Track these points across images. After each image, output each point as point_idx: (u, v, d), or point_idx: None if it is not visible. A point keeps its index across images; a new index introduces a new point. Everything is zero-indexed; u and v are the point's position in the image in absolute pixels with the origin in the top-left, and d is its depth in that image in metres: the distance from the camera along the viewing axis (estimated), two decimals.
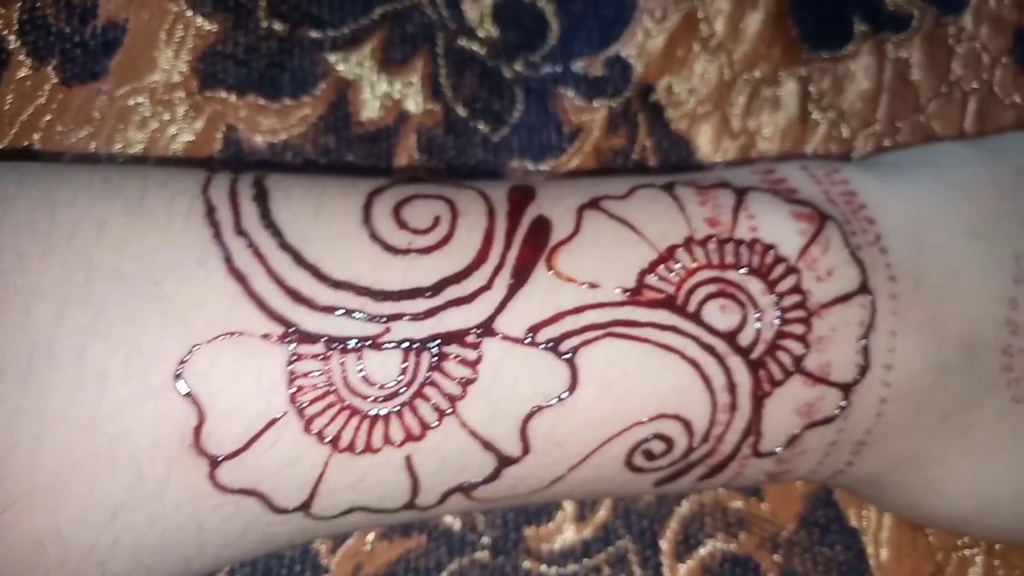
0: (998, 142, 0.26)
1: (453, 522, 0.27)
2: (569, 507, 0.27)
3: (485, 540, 0.27)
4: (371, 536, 0.26)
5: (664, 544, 0.27)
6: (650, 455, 0.20)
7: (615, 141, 0.30)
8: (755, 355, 0.20)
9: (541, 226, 0.20)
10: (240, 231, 0.18)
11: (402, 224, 0.19)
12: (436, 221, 0.19)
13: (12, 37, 0.26)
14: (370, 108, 0.29)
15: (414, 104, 0.29)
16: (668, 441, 0.20)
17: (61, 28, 0.26)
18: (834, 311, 0.20)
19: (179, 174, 0.20)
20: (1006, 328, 0.22)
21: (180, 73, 0.27)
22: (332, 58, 0.29)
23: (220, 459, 0.18)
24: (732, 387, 0.20)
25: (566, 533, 0.27)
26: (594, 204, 0.20)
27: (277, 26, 0.28)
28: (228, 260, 0.18)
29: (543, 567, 0.27)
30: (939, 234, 0.22)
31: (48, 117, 0.26)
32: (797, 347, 0.20)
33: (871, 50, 0.32)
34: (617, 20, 0.30)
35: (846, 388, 0.20)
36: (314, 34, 0.29)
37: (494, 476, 0.19)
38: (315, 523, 0.19)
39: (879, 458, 0.22)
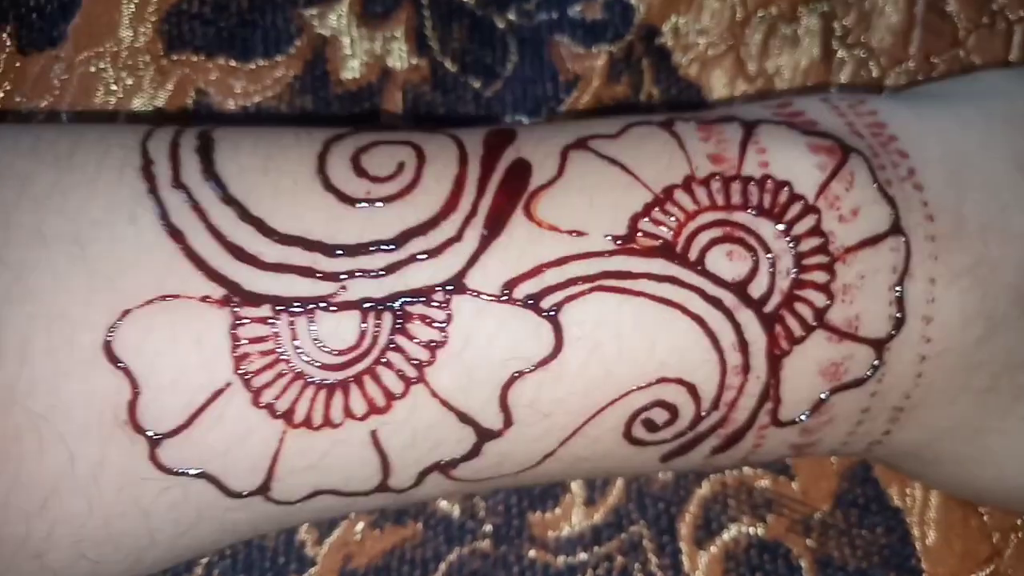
0: None
1: (451, 509, 0.24)
2: (577, 490, 0.25)
3: (487, 528, 0.25)
4: (360, 525, 0.24)
5: (683, 529, 0.24)
6: (652, 426, 0.18)
7: (617, 89, 0.27)
8: (769, 308, 0.17)
9: (519, 170, 0.17)
10: (179, 184, 0.16)
11: (361, 172, 0.17)
12: (400, 168, 0.17)
13: None
14: (350, 66, 0.27)
15: (398, 60, 0.27)
16: (672, 409, 0.17)
17: None
18: (861, 256, 0.17)
19: (117, 129, 0.18)
20: None
21: (143, 35, 0.25)
22: (307, 13, 0.27)
23: (160, 437, 0.16)
24: (744, 345, 0.17)
25: (574, 519, 0.24)
26: (581, 144, 0.18)
27: None
28: (164, 216, 0.16)
29: (550, 556, 0.24)
30: (983, 168, 0.19)
31: (6, 86, 0.25)
32: (819, 298, 0.17)
33: None
34: None
35: (879, 345, 0.18)
36: None
37: (474, 452, 0.17)
38: (279, 509, 0.17)
39: (921, 427, 0.19)
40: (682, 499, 0.25)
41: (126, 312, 0.15)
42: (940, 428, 0.19)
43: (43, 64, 0.25)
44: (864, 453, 0.20)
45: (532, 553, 0.24)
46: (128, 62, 0.25)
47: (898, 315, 0.17)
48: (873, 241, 0.17)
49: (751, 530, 0.24)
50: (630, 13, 0.27)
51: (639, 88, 0.27)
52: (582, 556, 0.24)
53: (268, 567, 0.24)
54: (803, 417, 0.18)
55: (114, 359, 0.15)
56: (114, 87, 0.25)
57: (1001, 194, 0.19)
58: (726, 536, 0.24)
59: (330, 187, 0.17)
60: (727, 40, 0.28)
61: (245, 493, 0.17)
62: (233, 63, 0.26)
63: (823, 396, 0.18)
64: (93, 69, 0.25)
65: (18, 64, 0.25)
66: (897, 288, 0.17)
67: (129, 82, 0.25)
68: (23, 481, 0.15)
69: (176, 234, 0.16)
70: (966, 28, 0.29)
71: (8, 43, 0.25)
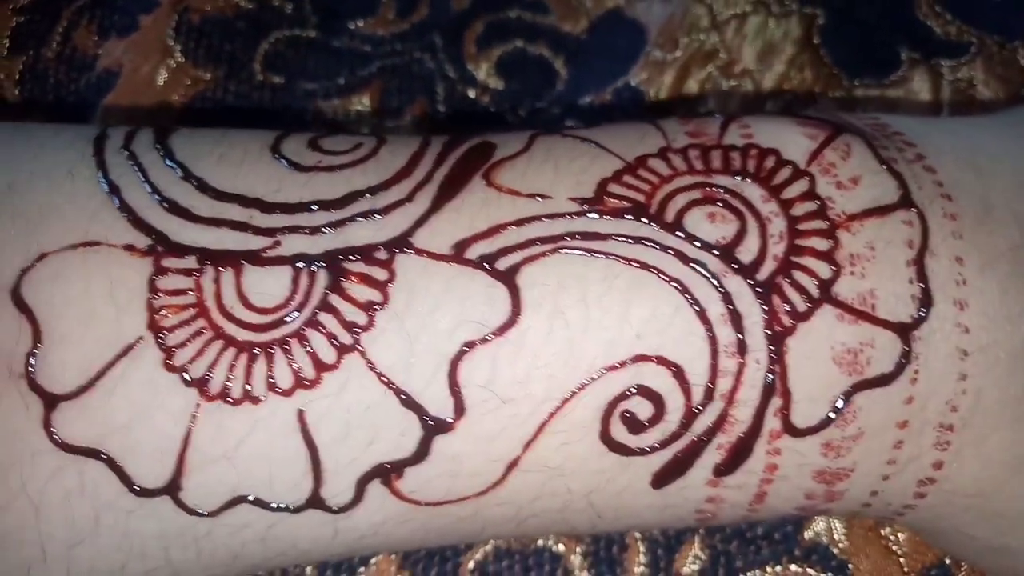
0: None
1: None
2: None
3: None
4: None
5: None
6: (635, 423, 0.15)
7: None
8: (763, 276, 0.15)
9: (481, 146, 0.16)
10: (126, 148, 0.16)
11: (316, 147, 0.16)
12: (356, 146, 0.16)
13: (13, 88, 0.27)
14: None
15: None
16: (656, 399, 0.14)
17: (59, 79, 0.27)
18: (868, 225, 0.15)
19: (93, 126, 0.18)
20: None
21: (165, 117, 0.27)
22: (325, 105, 0.28)
23: (57, 398, 0.14)
24: (736, 318, 0.14)
25: None
26: (550, 132, 0.17)
27: (273, 78, 0.28)
28: (103, 170, 0.15)
29: None
30: (1007, 161, 0.17)
31: None
32: (821, 267, 0.15)
33: (924, 73, 0.28)
34: (625, 57, 0.29)
35: (904, 330, 0.15)
36: (308, 85, 0.28)
37: (422, 451, 0.14)
38: (193, 523, 0.15)
39: (983, 458, 0.15)
40: None
41: (43, 256, 0.14)
42: (1008, 463, 0.15)
43: None
44: (918, 503, 0.16)
45: None
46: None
47: (922, 293, 0.15)
48: (881, 212, 0.15)
49: None
50: (640, 96, 0.28)
51: None
52: None
53: None
54: (824, 419, 0.15)
55: (20, 303, 0.14)
56: None
57: None
58: None
59: (280, 155, 0.16)
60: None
61: (151, 487, 0.14)
62: None
63: (845, 392, 0.15)
64: None
65: None
66: (916, 264, 0.15)
67: None
68: None
69: (112, 188, 0.15)
70: (1001, 108, 0.28)
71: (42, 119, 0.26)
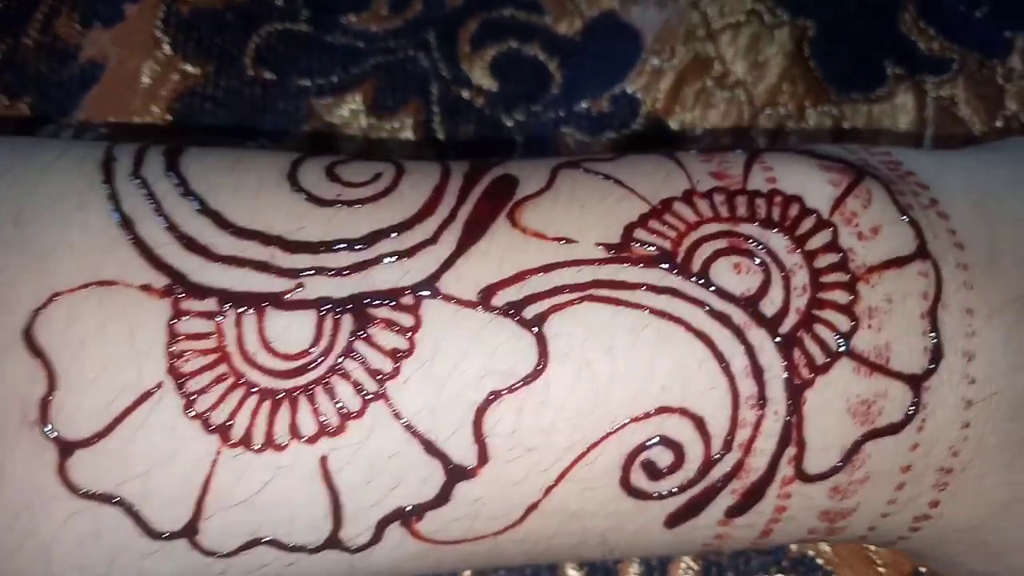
0: None
1: None
2: None
3: None
4: None
5: None
6: (654, 471, 0.15)
7: None
8: (785, 328, 0.15)
9: (505, 182, 0.16)
10: (136, 175, 0.15)
11: (334, 178, 0.16)
12: (376, 176, 0.16)
13: None
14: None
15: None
16: (677, 449, 0.15)
17: (40, 70, 0.25)
18: (886, 277, 0.15)
19: (97, 141, 0.17)
20: None
21: (154, 112, 0.26)
22: (318, 103, 0.27)
23: (72, 444, 0.13)
24: (758, 371, 0.15)
25: None
26: (572, 164, 0.17)
27: (265, 73, 0.27)
28: (115, 203, 0.15)
29: None
30: (1012, 205, 0.17)
31: None
32: (841, 320, 0.15)
33: (908, 90, 0.29)
34: (622, 63, 0.28)
35: (915, 381, 0.15)
36: (301, 82, 0.27)
37: (443, 496, 0.15)
38: (208, 562, 0.15)
39: (977, 497, 0.16)
40: None
41: (55, 295, 0.14)
42: (1000, 500, 0.16)
43: (52, 131, 0.25)
44: (912, 536, 0.17)
45: None
46: (135, 135, 0.26)
47: (935, 346, 0.15)
48: (899, 263, 0.16)
49: None
50: (636, 105, 0.27)
51: None
52: None
53: None
54: (835, 467, 0.15)
55: (33, 346, 0.13)
56: None
57: None
58: None
59: (299, 188, 0.15)
60: (735, 136, 0.27)
61: (168, 533, 0.14)
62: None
63: (856, 441, 0.15)
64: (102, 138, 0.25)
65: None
66: (930, 316, 0.15)
67: None
68: None
69: (126, 221, 0.15)
70: (980, 130, 0.28)
71: (25, 111, 0.25)
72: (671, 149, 0.18)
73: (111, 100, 0.25)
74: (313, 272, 0.14)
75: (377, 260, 0.15)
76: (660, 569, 0.22)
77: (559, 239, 0.15)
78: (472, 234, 0.15)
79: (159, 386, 0.14)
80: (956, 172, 0.18)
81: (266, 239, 0.15)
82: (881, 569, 0.21)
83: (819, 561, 0.21)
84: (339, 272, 0.14)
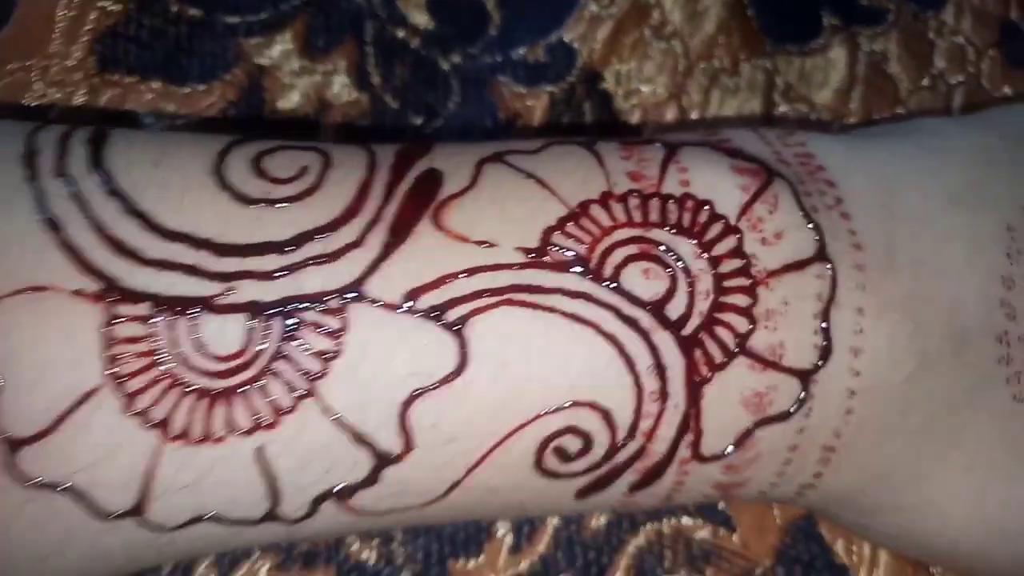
0: (986, 113, 0.23)
1: (367, 554, 0.23)
2: (502, 535, 0.23)
3: (405, 575, 0.23)
4: (266, 565, 0.22)
5: None
6: (565, 455, 0.16)
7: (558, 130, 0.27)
8: (688, 331, 0.16)
9: (430, 178, 0.17)
10: (62, 173, 0.15)
11: (260, 173, 0.16)
12: (302, 171, 0.16)
13: None
14: (288, 97, 0.26)
15: (338, 93, 0.27)
16: (585, 436, 0.16)
17: None
18: (785, 280, 0.17)
19: (10, 122, 0.17)
20: (1000, 311, 0.18)
21: (76, 54, 0.25)
22: (247, 43, 0.26)
23: (20, 441, 0.14)
24: (661, 369, 0.16)
25: (499, 566, 0.23)
26: (497, 157, 0.17)
27: (189, 10, 0.26)
28: (41, 205, 0.15)
29: None
30: (915, 201, 0.18)
31: None
32: (740, 322, 0.16)
33: (842, 43, 0.29)
34: (561, 6, 0.28)
35: (804, 376, 0.17)
36: (229, 19, 0.26)
37: (372, 478, 0.16)
38: (156, 536, 0.16)
39: (854, 470, 0.18)
40: (614, 549, 0.23)
41: None
42: (874, 472, 0.18)
43: None
44: (797, 498, 0.19)
45: None
46: (58, 78, 0.25)
47: (824, 345, 0.17)
48: (797, 266, 0.17)
49: None
50: (573, 56, 0.27)
51: (580, 130, 0.27)
52: None
53: None
54: (727, 451, 0.17)
55: None
56: (43, 101, 0.24)
57: (934, 227, 0.18)
58: None
59: (225, 186, 0.16)
60: (669, 88, 0.28)
61: (117, 513, 0.15)
62: (168, 86, 0.25)
63: (747, 429, 0.17)
64: (21, 81, 0.24)
65: None
66: (822, 317, 0.17)
67: (58, 96, 0.24)
68: None
69: (53, 224, 0.15)
70: (907, 89, 0.29)
71: None
72: (593, 137, 0.19)
73: (26, 42, 0.24)
74: (243, 276, 0.15)
75: (304, 264, 0.15)
76: (576, 517, 0.24)
77: (480, 242, 0.16)
78: (397, 237, 0.16)
79: (97, 388, 0.14)
80: (863, 166, 0.19)
81: (195, 242, 0.15)
82: (775, 511, 0.24)
83: (719, 506, 0.24)
84: (268, 276, 0.15)
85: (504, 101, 0.27)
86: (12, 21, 0.24)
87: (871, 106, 0.29)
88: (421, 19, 0.28)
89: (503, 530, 0.23)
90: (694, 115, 0.27)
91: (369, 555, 0.23)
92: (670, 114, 0.27)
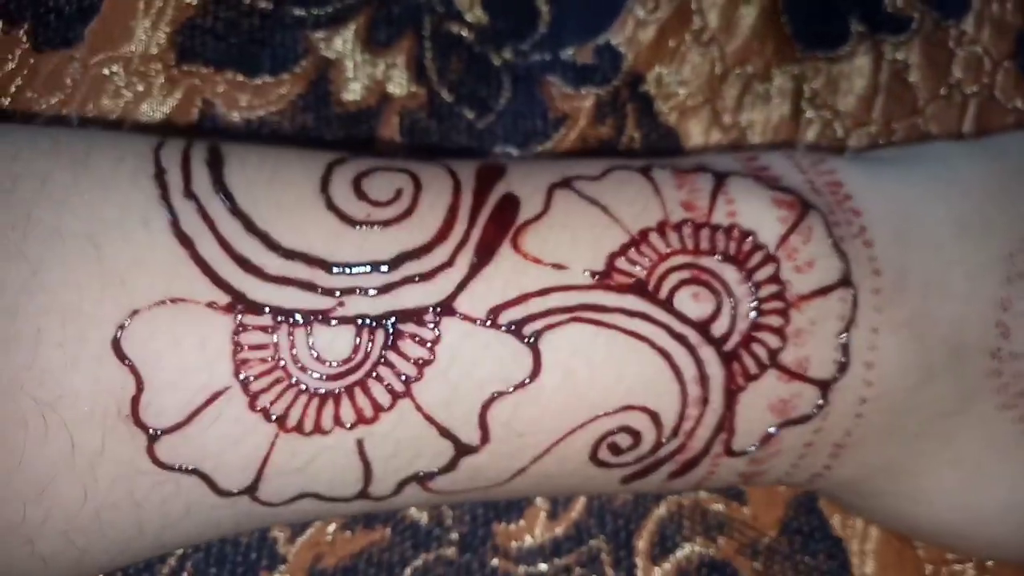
0: (993, 141, 0.25)
1: (420, 516, 0.26)
2: (541, 503, 0.26)
3: (453, 536, 0.26)
4: (332, 527, 0.25)
5: (639, 545, 0.26)
6: (616, 449, 0.19)
7: (602, 130, 0.29)
8: (729, 347, 0.19)
9: (508, 204, 0.19)
10: (189, 194, 0.17)
11: (361, 195, 0.18)
12: (398, 194, 0.18)
13: None
14: (352, 88, 0.28)
15: (397, 86, 0.28)
16: (635, 435, 0.19)
17: None
18: (813, 304, 0.19)
19: (130, 137, 0.19)
20: (995, 330, 0.21)
21: (157, 45, 0.26)
22: (314, 36, 0.28)
23: (159, 433, 0.17)
24: (704, 379, 0.19)
25: (537, 531, 0.26)
26: (566, 183, 0.19)
27: (260, 3, 0.28)
28: (174, 222, 0.17)
29: (511, 565, 0.26)
30: (926, 229, 0.21)
31: (18, 82, 0.25)
32: (773, 340, 0.19)
33: (868, 51, 0.31)
34: (608, 9, 0.30)
35: (824, 385, 0.19)
36: (297, 12, 0.28)
37: (451, 466, 0.19)
38: (263, 509, 0.19)
39: (859, 463, 0.21)
40: (640, 517, 0.26)
41: (135, 312, 0.16)
42: (875, 466, 0.21)
43: (56, 63, 0.26)
44: (807, 484, 0.22)
45: (495, 562, 0.26)
46: (140, 68, 0.26)
47: (842, 360, 0.19)
48: (824, 291, 0.19)
49: (703, 550, 0.26)
50: (619, 60, 0.29)
51: (622, 131, 0.29)
52: (542, 566, 0.26)
53: (240, 562, 0.25)
54: (753, 448, 0.20)
55: (122, 355, 0.16)
56: (125, 91, 0.26)
57: (942, 253, 0.21)
58: (679, 554, 0.26)
59: (332, 207, 0.18)
60: (705, 93, 0.29)
61: (234, 491, 0.18)
62: (241, 78, 0.27)
63: (772, 430, 0.19)
64: (106, 72, 0.26)
65: (32, 61, 0.26)
66: (843, 335, 0.19)
67: (139, 87, 0.26)
68: (24, 467, 0.16)
69: (185, 240, 0.17)
70: (925, 98, 0.31)
71: (24, 40, 0.26)
72: (649, 161, 0.21)
73: (112, 33, 0.26)
74: (351, 292, 0.17)
75: (404, 281, 0.18)
76: None
77: (554, 265, 0.18)
78: (482, 258, 0.18)
79: (227, 388, 0.17)
80: (883, 196, 0.21)
81: (309, 260, 0.17)
82: (782, 488, 0.27)
83: None
84: (372, 292, 0.17)
85: (553, 101, 0.29)
86: (97, 18, 0.26)
87: (891, 115, 0.30)
88: (476, 15, 0.29)
89: (541, 499, 0.26)
90: (727, 119, 0.29)
91: (421, 516, 0.26)
92: (704, 117, 0.29)
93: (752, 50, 0.30)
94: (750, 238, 0.19)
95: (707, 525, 0.26)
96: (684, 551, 0.26)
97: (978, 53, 0.31)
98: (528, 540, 0.26)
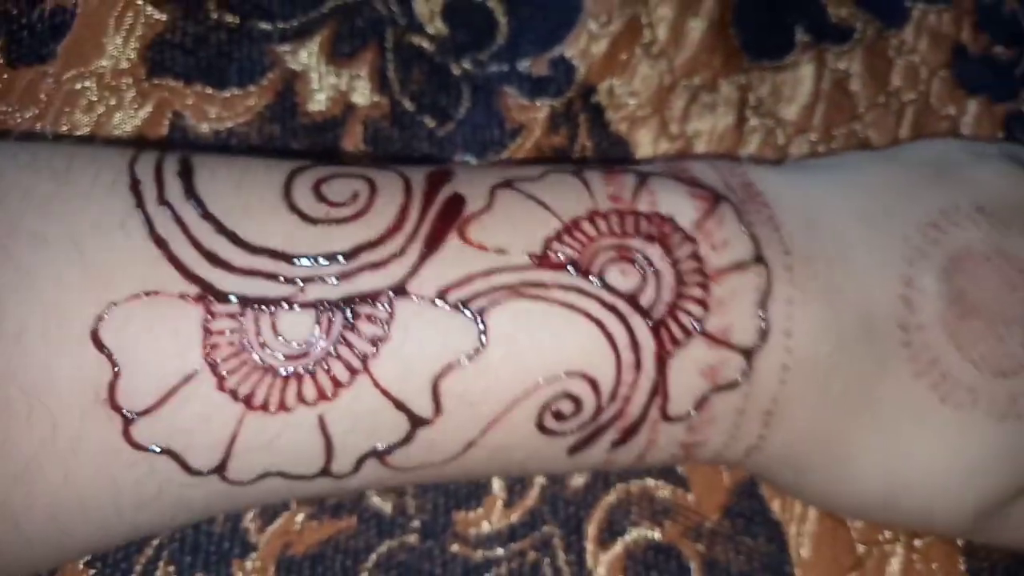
0: (903, 148, 0.28)
1: (384, 505, 0.27)
2: (498, 492, 0.27)
3: (415, 523, 0.27)
4: (301, 516, 0.26)
5: (590, 530, 0.27)
6: (560, 415, 0.21)
7: (556, 140, 0.30)
8: (656, 315, 0.20)
9: (455, 201, 0.21)
10: (163, 202, 0.19)
11: (321, 198, 0.20)
12: (355, 196, 0.20)
13: None
14: (317, 99, 0.30)
15: (361, 97, 0.30)
16: (576, 401, 0.20)
17: (8, 9, 0.27)
18: (731, 277, 0.21)
19: (105, 150, 0.20)
20: (901, 303, 0.23)
21: (128, 60, 0.28)
22: (280, 49, 0.30)
23: (134, 415, 0.18)
24: (636, 346, 0.20)
25: (494, 518, 0.27)
26: (507, 184, 0.21)
27: (227, 17, 0.29)
28: (150, 227, 0.19)
29: (470, 550, 0.27)
30: (831, 218, 0.23)
31: None
32: (696, 309, 0.21)
33: (812, 59, 0.32)
34: (563, 22, 0.32)
35: (747, 352, 0.21)
36: (263, 26, 0.30)
37: (407, 438, 0.20)
38: (230, 488, 0.20)
39: (789, 431, 0.23)
40: (591, 504, 0.27)
41: (112, 304, 0.18)
42: (804, 432, 0.23)
43: (31, 79, 0.27)
44: (745, 459, 0.24)
45: (455, 547, 0.27)
46: (112, 83, 0.28)
47: (762, 327, 0.21)
48: (740, 267, 0.21)
49: (649, 534, 0.27)
50: (572, 72, 0.31)
51: (575, 140, 0.30)
52: (499, 551, 0.27)
53: (213, 551, 0.26)
54: (689, 412, 0.21)
55: (100, 344, 0.18)
56: (98, 105, 0.28)
57: (847, 236, 0.23)
58: (627, 538, 0.27)
59: (294, 208, 0.20)
60: (654, 103, 0.31)
61: (204, 471, 0.19)
62: (209, 90, 0.29)
63: (704, 394, 0.21)
64: (79, 87, 0.27)
65: (6, 76, 0.27)
66: (761, 306, 0.21)
67: (112, 101, 0.28)
68: (8, 448, 0.18)
69: (160, 242, 0.19)
70: (864, 106, 0.32)
71: None
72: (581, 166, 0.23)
73: (84, 49, 0.27)
74: (312, 280, 0.19)
75: (359, 270, 0.19)
76: (560, 479, 0.28)
77: (497, 250, 0.20)
78: (431, 248, 0.20)
79: (197, 371, 0.18)
80: (792, 191, 0.23)
81: (274, 254, 0.19)
82: (725, 476, 0.28)
83: (678, 470, 0.28)
84: (331, 280, 0.19)
85: (509, 112, 0.30)
86: (69, 35, 0.27)
87: (831, 122, 0.32)
88: (436, 26, 0.31)
89: (498, 487, 0.27)
90: (674, 128, 0.31)
91: (385, 505, 0.27)
92: (653, 127, 0.31)
93: (700, 62, 0.32)
94: (670, 222, 0.21)
95: (653, 511, 0.27)
96: (632, 535, 0.27)
97: (915, 62, 0.33)
98: (486, 527, 0.27)
